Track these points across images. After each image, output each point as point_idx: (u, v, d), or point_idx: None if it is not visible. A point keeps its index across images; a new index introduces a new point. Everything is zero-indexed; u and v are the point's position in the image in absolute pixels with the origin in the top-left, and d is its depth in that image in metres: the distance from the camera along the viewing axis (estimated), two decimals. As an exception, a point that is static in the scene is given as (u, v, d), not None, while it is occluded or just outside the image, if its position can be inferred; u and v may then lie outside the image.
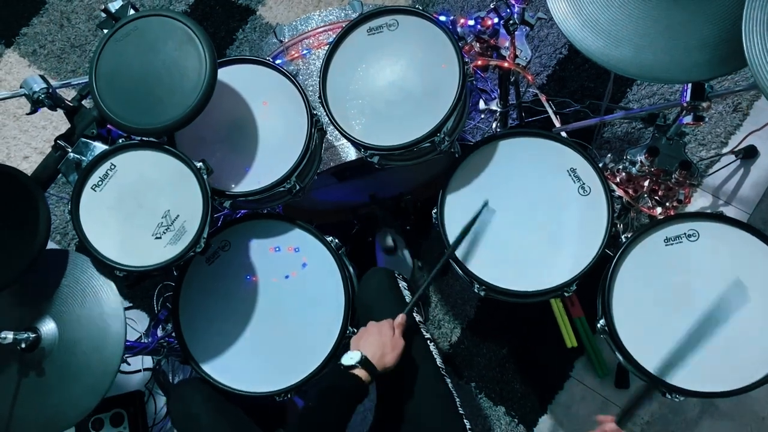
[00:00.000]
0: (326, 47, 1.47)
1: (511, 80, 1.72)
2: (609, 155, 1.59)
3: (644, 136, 2.03)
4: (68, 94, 1.45)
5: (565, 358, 1.90)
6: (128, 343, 1.30)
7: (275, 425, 1.80)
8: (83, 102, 1.38)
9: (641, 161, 1.50)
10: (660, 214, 1.52)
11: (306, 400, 1.48)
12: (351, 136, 1.37)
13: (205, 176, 1.29)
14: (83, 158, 1.33)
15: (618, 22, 1.18)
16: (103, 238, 1.29)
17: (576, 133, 1.87)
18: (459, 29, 1.53)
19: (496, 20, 1.49)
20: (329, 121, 1.38)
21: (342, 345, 1.41)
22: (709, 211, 1.92)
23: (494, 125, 1.96)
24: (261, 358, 1.41)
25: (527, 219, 1.42)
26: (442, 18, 1.43)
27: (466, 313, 1.97)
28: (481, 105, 1.98)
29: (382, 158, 1.42)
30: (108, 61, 1.30)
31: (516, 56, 1.54)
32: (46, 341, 1.30)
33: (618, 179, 1.56)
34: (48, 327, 1.31)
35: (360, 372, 1.17)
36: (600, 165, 1.43)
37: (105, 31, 1.34)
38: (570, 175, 1.42)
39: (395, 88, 1.39)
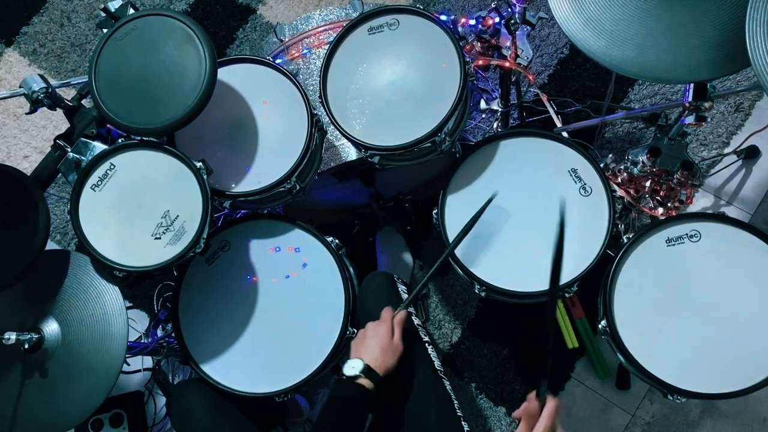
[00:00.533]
0: (327, 46, 1.46)
1: (513, 80, 1.72)
2: (610, 155, 1.59)
3: (645, 136, 2.02)
4: (68, 94, 1.45)
5: (566, 359, 1.89)
6: (128, 344, 1.30)
7: (275, 425, 1.80)
8: (83, 101, 1.38)
9: (643, 161, 1.50)
10: (662, 214, 1.52)
11: (315, 419, 1.49)
12: (351, 136, 1.36)
13: (204, 176, 1.29)
14: (83, 158, 1.33)
15: (620, 21, 1.18)
16: (102, 239, 1.28)
17: (577, 133, 1.86)
18: (460, 29, 1.52)
19: (497, 20, 1.48)
20: (329, 121, 1.37)
21: (342, 345, 1.41)
22: (710, 211, 1.92)
23: (495, 125, 1.95)
24: (261, 359, 1.41)
25: (528, 219, 1.42)
26: (443, 17, 1.42)
27: (466, 313, 1.96)
28: (482, 105, 1.97)
29: (382, 158, 1.41)
30: (108, 61, 1.29)
31: (517, 56, 1.54)
32: (50, 342, 1.30)
33: (619, 179, 1.56)
34: (51, 328, 1.31)
35: (363, 381, 1.17)
36: (601, 165, 1.43)
37: (105, 30, 1.33)
38: (571, 175, 1.42)
39: (396, 87, 1.38)
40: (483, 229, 1.41)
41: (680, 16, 1.15)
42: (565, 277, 1.35)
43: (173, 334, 1.45)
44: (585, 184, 1.41)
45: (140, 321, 2.03)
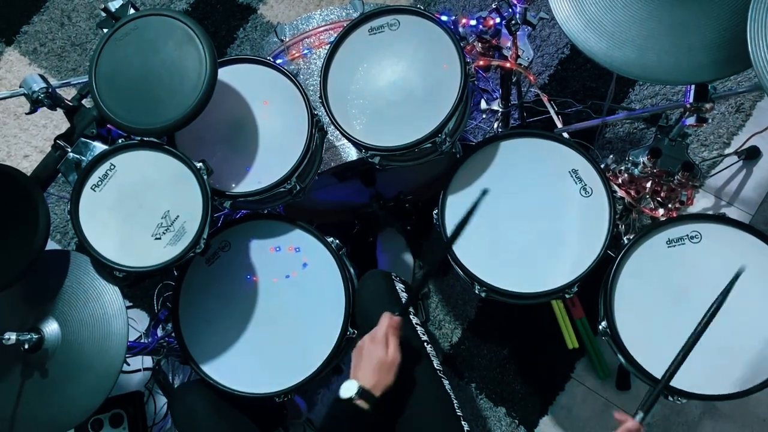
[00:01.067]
0: (327, 47, 1.46)
1: (513, 80, 1.71)
2: (611, 156, 1.59)
3: (646, 136, 2.02)
4: (68, 94, 1.45)
5: (566, 360, 1.89)
6: (128, 343, 1.30)
7: (275, 425, 1.80)
8: (83, 101, 1.38)
9: (643, 162, 1.49)
10: (662, 215, 1.52)
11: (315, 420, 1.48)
12: (352, 137, 1.36)
13: (205, 176, 1.28)
14: (83, 158, 1.33)
15: (621, 23, 1.17)
16: (102, 239, 1.28)
17: (577, 133, 1.86)
18: (461, 29, 1.52)
19: (498, 20, 1.48)
20: (330, 121, 1.37)
21: (342, 345, 1.41)
22: (711, 212, 1.92)
23: (496, 125, 1.95)
24: (261, 359, 1.41)
25: (529, 220, 1.41)
26: (444, 18, 1.42)
27: (466, 313, 1.96)
28: (483, 105, 1.97)
29: (383, 159, 1.41)
30: (108, 61, 1.29)
31: (518, 56, 1.54)
32: (50, 342, 1.30)
33: (620, 180, 1.56)
34: (51, 328, 1.31)
35: (359, 402, 1.15)
36: (602, 166, 1.43)
37: (105, 30, 1.33)
38: (572, 176, 1.42)
39: (396, 88, 1.38)
40: (484, 229, 1.41)
41: (682, 18, 1.15)
42: (566, 277, 1.34)
43: (173, 334, 1.45)
44: (586, 184, 1.40)
45: (140, 321, 2.03)
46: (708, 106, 1.36)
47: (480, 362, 1.92)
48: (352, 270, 1.50)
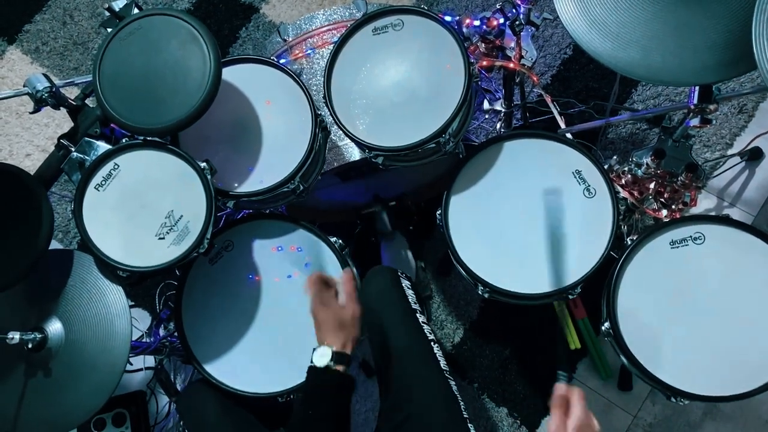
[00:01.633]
0: (330, 46, 1.46)
1: (516, 81, 1.71)
2: (615, 157, 1.59)
3: (649, 137, 2.02)
4: (71, 93, 1.45)
5: (569, 360, 1.89)
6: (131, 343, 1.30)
7: (278, 425, 1.80)
8: (87, 101, 1.38)
9: (647, 163, 1.49)
10: (666, 216, 1.52)
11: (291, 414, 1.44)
12: (355, 137, 1.36)
13: (208, 176, 1.28)
14: (86, 158, 1.32)
15: (626, 24, 1.17)
16: (106, 238, 1.28)
17: (580, 134, 1.86)
18: (464, 29, 1.52)
19: (501, 21, 1.48)
20: (333, 121, 1.37)
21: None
22: (713, 213, 1.92)
23: (498, 126, 1.95)
24: (263, 359, 1.41)
25: (532, 220, 1.41)
26: (448, 18, 1.42)
27: (469, 314, 1.96)
28: (486, 105, 1.97)
29: (386, 159, 1.41)
30: (112, 60, 1.29)
31: (521, 57, 1.54)
32: (53, 341, 1.30)
33: (623, 181, 1.56)
34: (54, 327, 1.31)
35: (337, 367, 1.13)
36: (605, 167, 1.43)
37: (109, 29, 1.33)
38: (575, 176, 1.42)
39: (400, 88, 1.38)
40: (487, 230, 1.41)
41: (687, 19, 1.15)
42: (569, 278, 1.34)
43: (175, 334, 1.45)
44: (589, 185, 1.40)
45: (142, 320, 2.03)
46: (712, 107, 1.36)
47: (482, 362, 1.92)
48: (354, 270, 1.50)
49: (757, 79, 1.97)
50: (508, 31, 1.50)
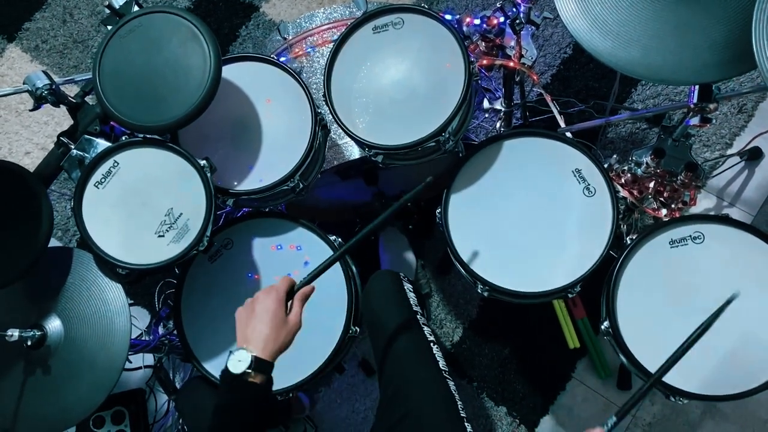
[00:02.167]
0: (331, 45, 1.46)
1: (516, 80, 1.71)
2: (614, 156, 1.59)
3: (648, 136, 2.02)
4: (71, 91, 1.45)
5: (567, 359, 1.89)
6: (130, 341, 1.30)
7: (278, 422, 1.80)
8: (86, 98, 1.38)
9: (647, 162, 1.49)
10: (665, 215, 1.52)
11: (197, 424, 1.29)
12: (355, 135, 1.36)
13: (208, 174, 1.28)
14: (86, 155, 1.32)
15: (626, 23, 1.17)
16: (105, 236, 1.28)
17: (580, 133, 1.86)
18: (465, 28, 1.51)
19: (502, 19, 1.48)
20: (333, 119, 1.37)
21: (345, 344, 1.41)
22: (712, 212, 1.92)
23: (498, 125, 1.95)
24: (263, 357, 1.40)
25: (531, 219, 1.41)
26: (448, 17, 1.42)
27: (468, 312, 1.96)
28: (486, 104, 1.97)
29: (386, 157, 1.41)
30: (112, 58, 1.29)
31: (522, 56, 1.53)
32: (52, 339, 1.30)
33: (623, 180, 1.56)
34: (54, 324, 1.31)
35: (254, 378, 1.00)
36: (605, 166, 1.43)
37: (109, 27, 1.33)
38: (575, 175, 1.42)
39: (400, 86, 1.38)
40: (487, 228, 1.41)
41: (687, 18, 1.15)
42: (569, 277, 1.34)
43: (175, 332, 1.45)
44: (589, 184, 1.40)
45: (141, 318, 2.03)
46: (712, 106, 1.36)
47: (481, 361, 1.92)
48: (354, 268, 1.50)
49: (757, 79, 1.97)
50: (509, 29, 1.50)
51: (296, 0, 2.36)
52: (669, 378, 1.25)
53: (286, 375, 1.37)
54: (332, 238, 1.46)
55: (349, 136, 1.37)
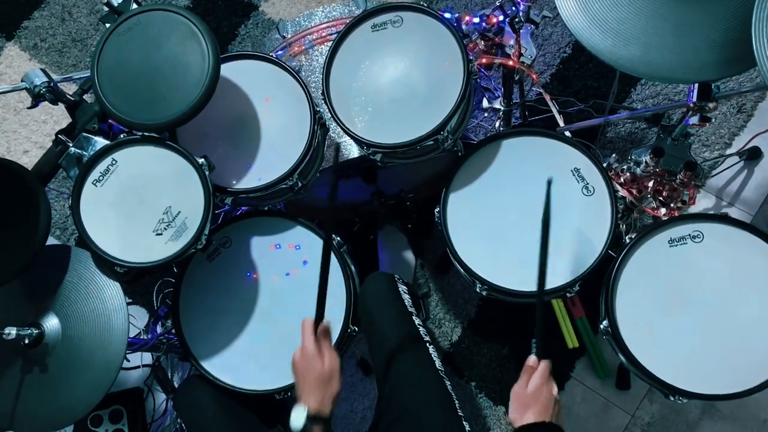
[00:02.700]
0: (330, 43, 1.45)
1: (516, 79, 1.71)
2: (614, 155, 1.59)
3: (648, 136, 2.02)
4: (69, 89, 1.44)
5: (566, 359, 1.89)
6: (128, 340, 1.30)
7: (275, 423, 1.80)
8: (85, 96, 1.37)
9: (646, 162, 1.49)
10: (664, 215, 1.51)
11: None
12: (354, 133, 1.36)
13: (206, 172, 1.28)
14: (84, 153, 1.32)
15: (626, 21, 1.17)
16: (103, 234, 1.28)
17: (579, 132, 1.86)
18: (464, 27, 1.51)
19: (501, 18, 1.48)
20: (332, 118, 1.37)
21: (344, 343, 1.40)
22: (712, 212, 1.92)
23: (497, 124, 1.95)
24: (261, 356, 1.40)
25: (530, 218, 1.41)
26: (447, 15, 1.41)
27: (467, 312, 1.96)
28: (485, 103, 1.96)
29: (384, 156, 1.41)
30: (110, 56, 1.29)
31: (521, 55, 1.53)
32: (50, 337, 1.30)
33: (622, 179, 1.56)
34: (51, 323, 1.31)
35: (315, 429, 1.06)
36: (604, 165, 1.42)
37: (107, 25, 1.33)
38: (574, 175, 1.41)
39: (399, 85, 1.38)
40: (485, 227, 1.41)
41: (687, 16, 1.15)
42: (568, 276, 1.34)
43: (173, 331, 1.44)
44: (588, 183, 1.40)
45: (139, 317, 2.02)
46: (711, 105, 1.36)
47: (480, 361, 1.92)
48: (353, 267, 1.50)
49: (756, 78, 1.97)
50: (508, 28, 1.50)
51: (295, -1, 2.35)
52: (668, 377, 1.25)
53: (285, 374, 1.37)
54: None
55: (348, 134, 1.36)
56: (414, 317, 1.38)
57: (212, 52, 1.26)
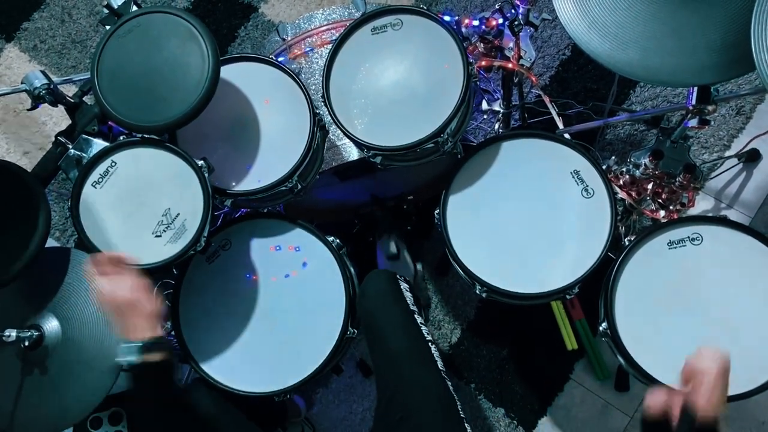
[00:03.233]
0: (330, 46, 1.46)
1: (515, 81, 1.71)
2: (613, 157, 1.59)
3: (647, 138, 2.02)
4: (69, 90, 1.44)
5: (565, 360, 1.89)
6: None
7: (274, 425, 1.80)
8: (84, 98, 1.37)
9: (645, 164, 1.49)
10: (663, 217, 1.52)
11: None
12: (353, 136, 1.36)
13: (206, 174, 1.28)
14: (84, 155, 1.32)
15: (625, 24, 1.17)
16: (103, 236, 1.28)
17: (578, 134, 1.86)
18: (463, 29, 1.52)
19: (500, 21, 1.48)
20: (332, 120, 1.37)
21: (343, 345, 1.41)
22: (711, 214, 1.92)
23: (497, 126, 1.95)
24: (260, 358, 1.41)
25: (530, 221, 1.41)
26: (447, 18, 1.42)
27: (466, 314, 1.96)
28: (484, 105, 1.97)
29: (384, 158, 1.41)
30: (110, 58, 1.29)
31: (520, 57, 1.54)
32: (50, 339, 1.30)
33: (621, 182, 1.56)
34: (51, 325, 1.31)
35: (151, 356, 1.03)
36: (604, 167, 1.43)
37: (107, 27, 1.33)
38: (573, 177, 1.42)
39: (399, 87, 1.38)
40: (485, 229, 1.41)
41: (685, 20, 1.15)
42: (567, 278, 1.34)
43: (172, 332, 1.44)
44: (587, 185, 1.40)
45: (139, 319, 2.02)
46: (710, 108, 1.36)
47: (479, 363, 1.92)
48: (352, 269, 1.50)
49: (755, 81, 1.98)
50: (507, 31, 1.50)
51: (295, 1, 2.35)
52: (667, 379, 1.26)
53: (284, 376, 1.38)
54: (330, 239, 1.46)
55: (348, 137, 1.37)
56: (416, 316, 1.37)
57: (212, 54, 1.26)
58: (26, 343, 1.26)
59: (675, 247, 1.34)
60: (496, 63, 1.55)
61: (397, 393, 1.28)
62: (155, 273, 1.54)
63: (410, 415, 1.25)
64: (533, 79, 1.57)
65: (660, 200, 1.53)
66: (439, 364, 1.32)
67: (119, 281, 1.09)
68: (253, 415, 1.44)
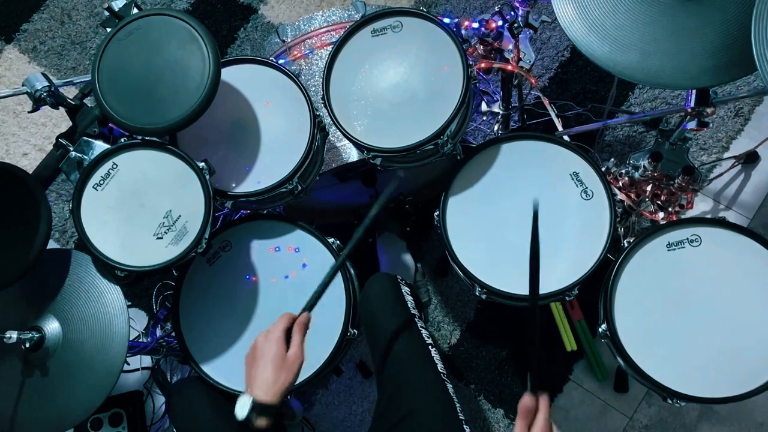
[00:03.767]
0: (330, 47, 1.46)
1: (514, 83, 1.72)
2: (612, 159, 1.59)
3: (645, 139, 2.03)
4: (70, 92, 1.45)
5: (565, 362, 1.89)
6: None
7: (273, 426, 1.80)
8: (85, 100, 1.38)
9: (644, 166, 1.50)
10: (662, 218, 1.52)
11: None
12: (353, 138, 1.36)
13: (207, 176, 1.29)
14: (85, 157, 1.32)
15: (624, 27, 1.18)
16: (104, 238, 1.28)
17: (577, 136, 1.86)
18: (463, 32, 1.52)
19: (500, 23, 1.48)
20: (332, 122, 1.37)
21: (343, 346, 1.41)
22: (709, 215, 1.92)
23: (496, 127, 1.95)
24: (261, 359, 1.41)
25: (529, 222, 1.41)
26: (446, 20, 1.42)
27: (465, 315, 1.96)
28: (483, 107, 1.97)
29: (384, 160, 1.41)
30: (111, 60, 1.29)
31: (519, 59, 1.54)
32: (50, 341, 1.30)
33: (620, 183, 1.56)
34: (52, 326, 1.31)
35: (260, 421, 1.00)
36: (603, 169, 1.43)
37: (108, 29, 1.33)
38: (573, 179, 1.42)
39: (399, 89, 1.38)
40: (485, 231, 1.42)
41: (685, 22, 1.15)
42: (566, 280, 1.35)
43: (173, 333, 1.45)
44: (586, 187, 1.41)
45: (138, 320, 2.02)
46: (709, 110, 1.36)
47: (479, 364, 1.92)
48: (352, 271, 1.51)
49: (754, 83, 1.98)
50: (507, 33, 1.51)
51: (295, 2, 2.36)
52: (666, 380, 1.26)
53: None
54: (330, 240, 1.46)
55: (348, 138, 1.37)
56: (417, 319, 1.38)
57: (212, 56, 1.26)
58: (27, 345, 1.26)
59: (674, 249, 1.34)
60: (496, 65, 1.55)
61: (397, 394, 1.29)
62: (156, 274, 1.54)
63: (410, 417, 1.25)
64: (532, 80, 1.57)
65: (659, 202, 1.54)
66: (439, 366, 1.32)
67: (297, 345, 1.09)
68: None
